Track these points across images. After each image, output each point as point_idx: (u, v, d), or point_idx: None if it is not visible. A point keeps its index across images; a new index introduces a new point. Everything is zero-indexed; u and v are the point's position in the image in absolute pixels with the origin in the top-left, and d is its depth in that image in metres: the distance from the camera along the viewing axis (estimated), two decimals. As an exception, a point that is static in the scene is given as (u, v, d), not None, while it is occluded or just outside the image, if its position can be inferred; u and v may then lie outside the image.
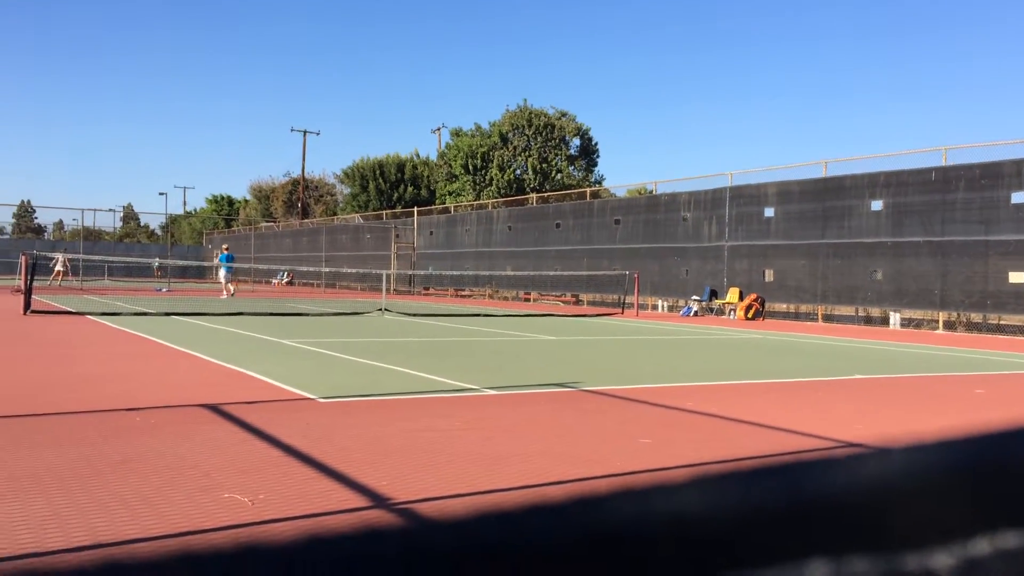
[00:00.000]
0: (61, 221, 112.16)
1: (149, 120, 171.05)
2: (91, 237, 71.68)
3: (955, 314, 20.81)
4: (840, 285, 22.89)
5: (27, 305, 17.35)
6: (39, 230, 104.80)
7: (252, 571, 0.33)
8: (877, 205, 22.03)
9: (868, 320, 23.95)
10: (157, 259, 42.51)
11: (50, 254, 30.91)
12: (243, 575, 0.33)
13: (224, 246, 33.93)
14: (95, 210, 47.28)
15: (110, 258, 30.96)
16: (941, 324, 20.96)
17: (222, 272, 31.08)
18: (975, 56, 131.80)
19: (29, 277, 18.32)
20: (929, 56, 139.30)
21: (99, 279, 49.85)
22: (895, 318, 22.06)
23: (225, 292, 30.50)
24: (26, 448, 4.90)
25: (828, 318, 24.44)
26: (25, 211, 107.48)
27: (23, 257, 20.45)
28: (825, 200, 23.34)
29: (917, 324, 22.10)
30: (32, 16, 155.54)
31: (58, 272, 37.23)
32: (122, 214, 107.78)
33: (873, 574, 0.39)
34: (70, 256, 31.52)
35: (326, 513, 3.78)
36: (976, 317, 20.81)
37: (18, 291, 23.34)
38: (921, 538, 0.41)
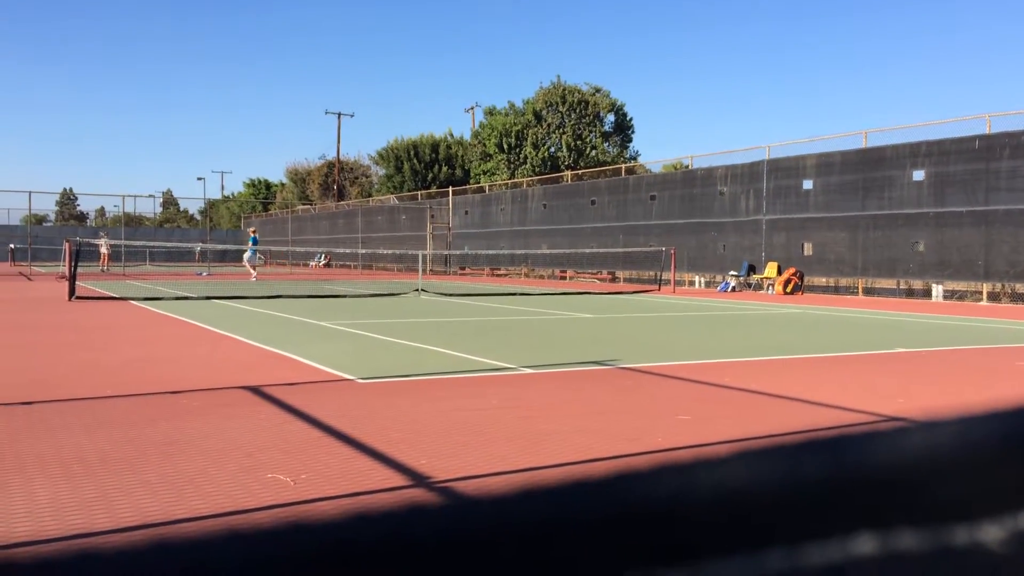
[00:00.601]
0: (103, 208, 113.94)
1: (186, 106, 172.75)
2: (132, 223, 72.71)
3: (999, 285, 20.42)
4: (881, 257, 22.55)
5: (72, 291, 17.67)
6: (81, 217, 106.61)
7: (300, 547, 0.34)
8: (919, 175, 21.64)
9: (910, 293, 23.60)
10: (200, 244, 43.20)
11: (93, 240, 31.43)
12: (291, 551, 0.34)
13: (251, 229, 34.69)
14: (135, 196, 48.08)
15: (151, 243, 31.39)
16: (985, 295, 20.59)
17: (247, 255, 31.76)
18: (1016, 19, 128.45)
19: (73, 263, 18.65)
20: (969, 20, 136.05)
21: (141, 264, 50.64)
22: (938, 290, 21.71)
23: (253, 274, 31.15)
24: (74, 431, 5.01)
25: (869, 291, 24.11)
26: (67, 199, 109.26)
27: (67, 244, 20.82)
28: (865, 171, 22.97)
29: (960, 296, 21.73)
30: (68, 5, 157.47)
31: (104, 256, 37.93)
32: (162, 200, 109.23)
33: (921, 547, 0.39)
34: (112, 242, 32.07)
35: (367, 492, 3.82)
36: (1021, 288, 20.41)
37: (63, 277, 23.78)
38: (970, 510, 0.40)
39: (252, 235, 32.81)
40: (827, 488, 0.38)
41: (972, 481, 0.40)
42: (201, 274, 35.77)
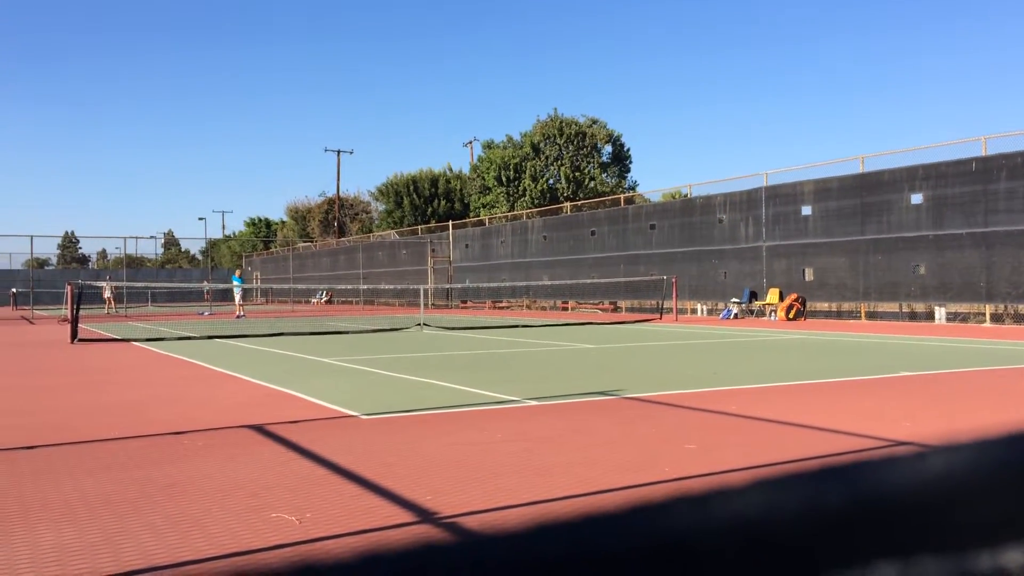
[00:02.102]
0: (104, 250, 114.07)
1: (186, 146, 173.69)
2: (134, 264, 72.89)
3: (1002, 306, 20.40)
4: (882, 281, 22.55)
5: (74, 334, 17.65)
6: (83, 260, 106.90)
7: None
8: (917, 198, 21.70)
9: (912, 316, 23.56)
10: (207, 282, 43.54)
11: (95, 283, 31.63)
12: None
13: (237, 271, 35.84)
14: (136, 238, 48.17)
15: (153, 284, 31.49)
16: (988, 317, 20.56)
17: (236, 294, 32.63)
18: (1013, 43, 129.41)
19: (75, 306, 18.65)
20: (964, 44, 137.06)
21: (143, 305, 50.64)
22: (940, 313, 21.68)
23: (239, 311, 31.89)
24: (78, 474, 4.98)
25: (871, 315, 24.08)
26: (69, 242, 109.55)
27: (68, 287, 20.85)
28: (864, 196, 23.04)
29: (963, 318, 21.69)
30: (69, 46, 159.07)
31: (108, 299, 38.08)
32: (163, 240, 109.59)
33: (942, 574, 0.38)
34: (115, 284, 32.32)
35: (373, 529, 3.79)
36: (1024, 308, 20.39)
37: (65, 320, 23.78)
38: (991, 536, 0.39)
39: (236, 275, 34.05)
40: (846, 516, 0.38)
41: (992, 506, 0.40)
42: (203, 313, 35.83)
